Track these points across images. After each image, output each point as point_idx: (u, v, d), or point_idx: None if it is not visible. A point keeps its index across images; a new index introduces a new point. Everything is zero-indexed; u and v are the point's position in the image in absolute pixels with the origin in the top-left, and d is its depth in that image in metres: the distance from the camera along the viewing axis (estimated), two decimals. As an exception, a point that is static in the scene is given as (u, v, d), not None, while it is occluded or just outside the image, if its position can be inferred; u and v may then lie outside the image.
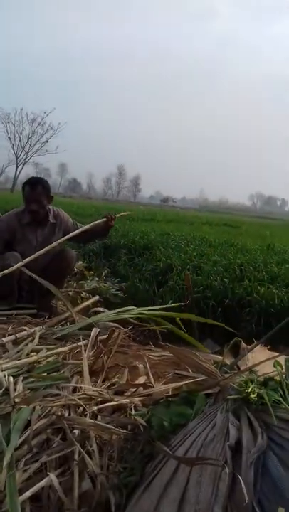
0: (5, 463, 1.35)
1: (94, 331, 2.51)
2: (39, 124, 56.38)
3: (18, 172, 59.79)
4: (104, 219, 3.75)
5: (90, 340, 2.45)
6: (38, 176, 3.99)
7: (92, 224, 3.70)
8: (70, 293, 4.17)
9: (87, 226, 3.66)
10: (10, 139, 57.67)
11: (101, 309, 3.49)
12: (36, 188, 3.56)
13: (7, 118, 56.13)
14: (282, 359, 1.57)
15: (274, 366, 1.52)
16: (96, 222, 3.76)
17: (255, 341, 2.57)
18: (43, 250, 3.17)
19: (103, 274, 5.68)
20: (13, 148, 58.93)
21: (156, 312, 3.16)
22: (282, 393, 1.40)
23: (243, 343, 2.50)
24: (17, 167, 59.46)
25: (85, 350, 2.28)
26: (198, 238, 8.92)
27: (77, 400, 1.73)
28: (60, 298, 3.35)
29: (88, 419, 1.60)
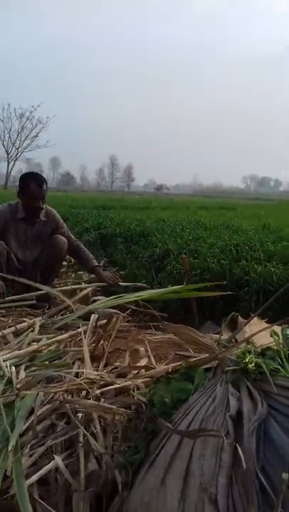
0: (10, 448, 1.36)
1: (93, 317, 2.53)
2: (28, 118, 56.31)
3: (10, 169, 59.74)
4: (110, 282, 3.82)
5: (89, 326, 2.46)
6: (36, 172, 4.00)
7: (99, 274, 3.86)
8: (69, 284, 4.18)
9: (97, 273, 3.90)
10: (-1, 135, 57.60)
11: (100, 297, 3.51)
12: (43, 185, 3.62)
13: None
14: (278, 329, 1.58)
15: (271, 336, 1.53)
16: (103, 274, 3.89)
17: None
18: None
19: (101, 263, 5.68)
20: (4, 145, 58.88)
21: (154, 295, 3.19)
22: (280, 361, 1.41)
23: (240, 317, 2.52)
24: (8, 163, 59.38)
25: (85, 337, 2.30)
26: (193, 222, 8.91)
27: (82, 382, 1.76)
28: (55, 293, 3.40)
29: (90, 401, 1.62)
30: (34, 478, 1.33)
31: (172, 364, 2.13)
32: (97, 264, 3.94)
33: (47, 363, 2.11)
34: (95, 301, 3.42)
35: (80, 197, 23.82)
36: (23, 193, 3.60)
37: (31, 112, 57.46)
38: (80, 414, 1.62)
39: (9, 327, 2.66)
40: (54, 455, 1.43)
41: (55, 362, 2.13)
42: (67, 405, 1.61)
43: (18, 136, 58.84)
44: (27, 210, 3.60)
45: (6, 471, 1.33)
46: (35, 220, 3.68)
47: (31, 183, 3.59)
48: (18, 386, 1.72)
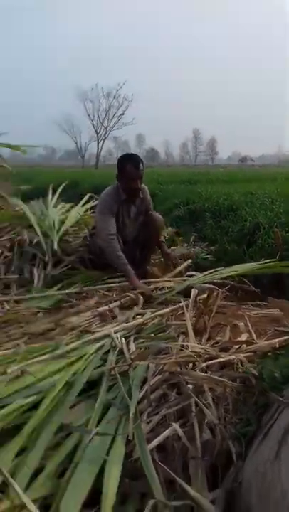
0: (131, 415, 1.46)
1: (194, 292, 2.58)
2: (114, 97, 57.20)
3: (99, 148, 61.10)
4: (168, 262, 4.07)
5: (190, 300, 2.52)
6: (132, 153, 4.09)
7: (163, 250, 4.10)
8: (163, 259, 4.26)
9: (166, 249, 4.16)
10: (89, 115, 59.16)
11: (194, 273, 3.56)
12: (139, 166, 3.70)
13: (85, 96, 57.70)
14: None
15: None
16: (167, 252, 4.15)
17: None
18: None
19: (191, 239, 5.72)
20: (93, 125, 60.34)
21: (248, 269, 3.19)
22: None
23: None
24: (98, 143, 60.77)
25: (187, 311, 2.36)
26: (283, 195, 8.67)
27: (192, 354, 1.82)
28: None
29: (201, 373, 1.68)
30: (154, 443, 1.41)
31: (273, 339, 2.14)
32: (162, 240, 4.07)
33: (152, 335, 2.21)
34: (189, 276, 3.49)
35: (165, 172, 23.76)
36: (122, 175, 3.70)
37: (117, 90, 58.23)
38: (190, 386, 1.69)
39: (114, 301, 2.80)
40: (171, 422, 1.51)
41: (160, 335, 2.22)
42: (180, 376, 1.68)
43: (106, 115, 59.96)
44: (127, 192, 3.70)
45: (128, 436, 1.43)
46: (135, 199, 3.79)
47: (128, 164, 3.68)
48: (132, 357, 1.82)
